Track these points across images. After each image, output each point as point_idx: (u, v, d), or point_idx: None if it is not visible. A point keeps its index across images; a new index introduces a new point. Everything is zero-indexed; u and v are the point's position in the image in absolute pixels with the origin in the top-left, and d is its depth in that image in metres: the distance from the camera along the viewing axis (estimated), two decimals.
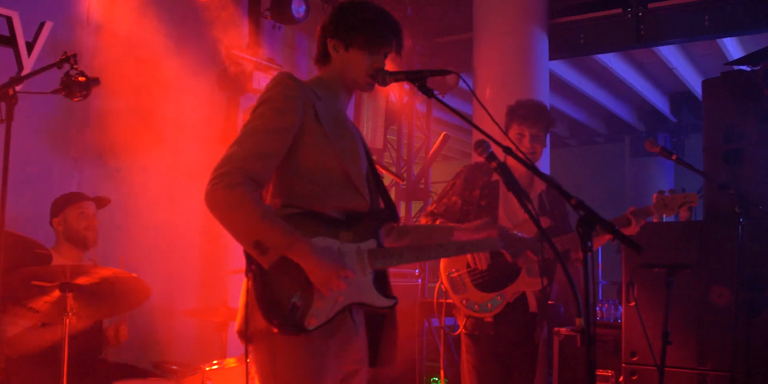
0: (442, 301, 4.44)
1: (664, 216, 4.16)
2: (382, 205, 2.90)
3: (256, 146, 2.54)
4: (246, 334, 2.57)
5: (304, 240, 2.48)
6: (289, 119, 2.60)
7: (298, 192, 2.64)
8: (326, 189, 2.66)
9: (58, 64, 3.35)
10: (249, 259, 2.53)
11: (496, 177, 4.28)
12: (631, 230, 4.01)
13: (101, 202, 4.65)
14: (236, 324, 2.67)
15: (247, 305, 2.56)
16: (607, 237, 4.09)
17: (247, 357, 2.60)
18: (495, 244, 3.15)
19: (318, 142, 2.65)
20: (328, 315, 2.57)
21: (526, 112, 4.27)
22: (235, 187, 2.44)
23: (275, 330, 2.48)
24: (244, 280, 2.58)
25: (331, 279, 2.51)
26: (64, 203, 4.52)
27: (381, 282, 2.75)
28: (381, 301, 2.72)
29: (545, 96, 8.16)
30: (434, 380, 6.79)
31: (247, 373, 2.61)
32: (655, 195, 4.08)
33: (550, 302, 4.46)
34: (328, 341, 2.59)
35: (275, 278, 2.50)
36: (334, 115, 2.75)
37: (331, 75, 2.84)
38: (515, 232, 3.83)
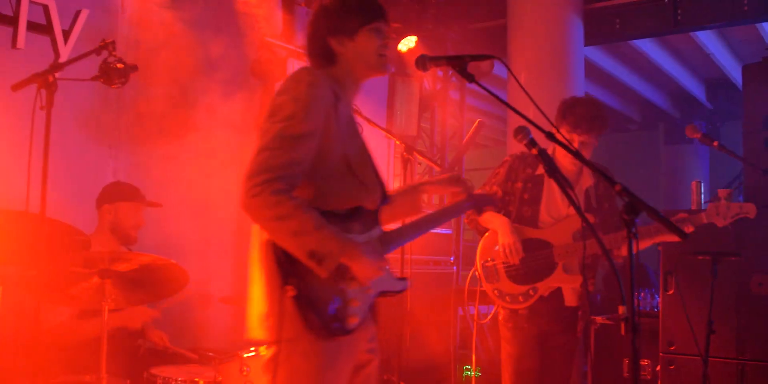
0: (477, 288, 4.41)
1: (704, 204, 4.09)
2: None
3: (290, 152, 2.43)
4: (277, 341, 2.52)
5: (353, 242, 2.48)
6: (316, 122, 2.51)
7: (307, 192, 2.54)
8: (336, 189, 2.60)
9: (97, 51, 3.35)
10: (284, 271, 2.47)
11: (540, 170, 4.20)
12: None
13: (152, 206, 4.68)
14: (254, 331, 2.62)
15: (278, 314, 2.49)
16: (654, 240, 4.01)
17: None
18: (463, 207, 3.16)
19: (335, 146, 2.58)
20: (364, 310, 2.59)
21: (578, 119, 4.09)
22: (281, 195, 2.37)
23: (318, 337, 2.46)
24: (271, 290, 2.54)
25: (375, 273, 2.54)
26: (122, 195, 4.51)
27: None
28: (398, 285, 2.79)
29: (580, 83, 8.05)
30: (467, 368, 6.77)
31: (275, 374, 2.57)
32: (693, 183, 4.03)
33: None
34: (347, 337, 2.55)
35: (314, 287, 2.46)
36: (348, 115, 2.72)
37: (342, 72, 2.75)
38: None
